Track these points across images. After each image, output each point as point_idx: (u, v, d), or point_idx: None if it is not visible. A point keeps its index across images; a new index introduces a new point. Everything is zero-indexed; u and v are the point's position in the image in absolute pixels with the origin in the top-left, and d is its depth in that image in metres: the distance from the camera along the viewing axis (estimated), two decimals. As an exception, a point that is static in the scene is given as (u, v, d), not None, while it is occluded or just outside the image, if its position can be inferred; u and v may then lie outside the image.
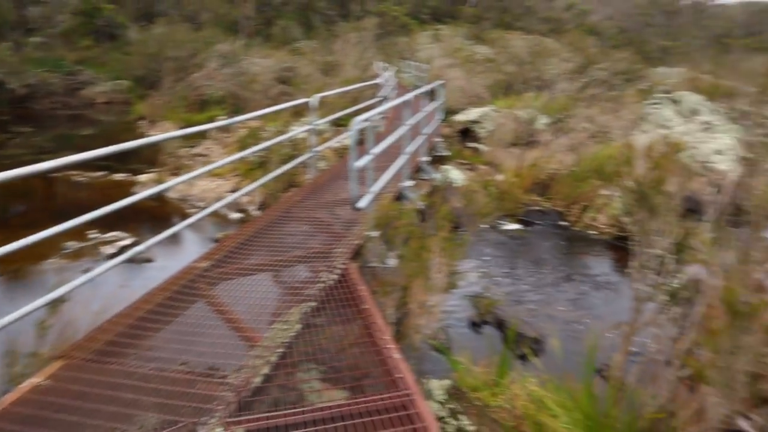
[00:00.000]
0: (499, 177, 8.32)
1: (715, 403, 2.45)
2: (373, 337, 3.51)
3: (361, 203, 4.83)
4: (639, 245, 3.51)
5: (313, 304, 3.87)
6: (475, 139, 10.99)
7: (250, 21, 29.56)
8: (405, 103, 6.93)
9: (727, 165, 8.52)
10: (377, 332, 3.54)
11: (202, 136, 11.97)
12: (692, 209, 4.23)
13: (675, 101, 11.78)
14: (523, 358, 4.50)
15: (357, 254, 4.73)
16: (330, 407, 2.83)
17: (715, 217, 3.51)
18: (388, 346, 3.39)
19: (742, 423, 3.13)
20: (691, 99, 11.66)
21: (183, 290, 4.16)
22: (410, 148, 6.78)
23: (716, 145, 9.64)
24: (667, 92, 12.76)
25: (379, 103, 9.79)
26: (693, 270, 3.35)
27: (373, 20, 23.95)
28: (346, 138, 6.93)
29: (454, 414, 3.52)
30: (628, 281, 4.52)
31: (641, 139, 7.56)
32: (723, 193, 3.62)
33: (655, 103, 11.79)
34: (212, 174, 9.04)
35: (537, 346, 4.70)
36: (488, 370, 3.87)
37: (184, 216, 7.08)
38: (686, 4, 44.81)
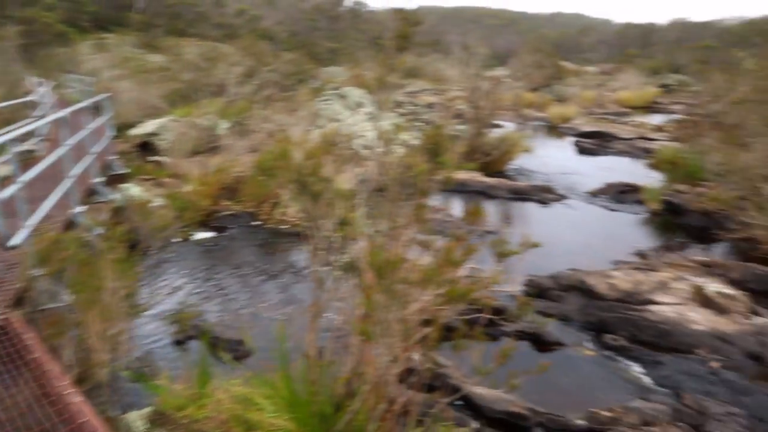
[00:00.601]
0: (186, 187, 8.10)
1: (381, 353, 2.80)
2: (47, 387, 3.10)
3: (16, 240, 4.19)
4: (310, 230, 3.78)
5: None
6: (157, 152, 10.49)
7: None
8: (63, 121, 6.21)
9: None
10: (53, 380, 3.14)
11: None
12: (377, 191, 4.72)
13: (342, 96, 13.00)
14: (229, 361, 4.49)
15: (21, 299, 4.10)
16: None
17: (367, 193, 3.95)
18: (66, 392, 3.03)
19: (415, 359, 3.63)
20: (356, 93, 13.01)
21: None
22: (76, 170, 6.12)
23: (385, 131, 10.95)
24: (336, 89, 14.01)
25: (35, 123, 8.58)
26: (358, 243, 3.74)
27: (17, 28, 20.68)
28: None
29: (159, 440, 3.34)
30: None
31: (314, 133, 8.18)
32: (372, 172, 4.09)
33: (326, 100, 12.84)
34: None
35: (240, 347, 4.74)
36: (191, 385, 3.76)
37: None
38: (345, 9, 49.69)
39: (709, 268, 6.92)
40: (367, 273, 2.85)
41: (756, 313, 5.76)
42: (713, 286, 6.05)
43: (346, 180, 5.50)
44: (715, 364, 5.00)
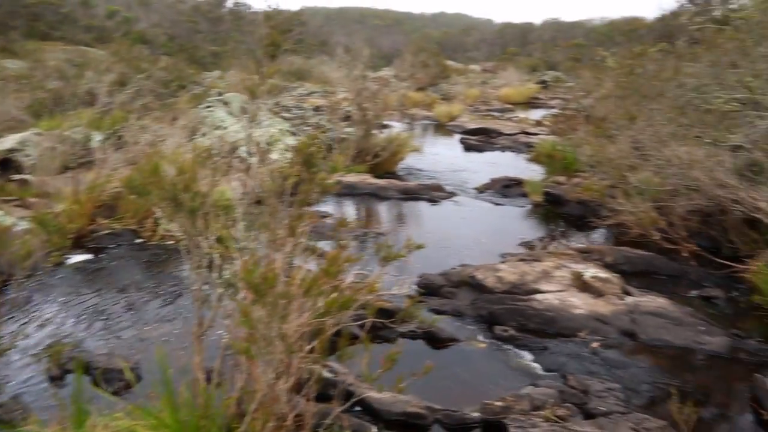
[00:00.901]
0: (58, 207, 7.48)
1: (262, 371, 2.71)
2: None
3: None
4: (189, 247, 3.60)
5: None
6: (20, 170, 9.61)
7: None
8: None
9: (277, 155, 9.61)
10: None
11: None
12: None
13: (226, 103, 12.59)
14: (109, 394, 4.18)
15: None
16: None
17: (246, 205, 3.82)
18: None
19: (306, 370, 3.55)
20: (239, 99, 12.63)
21: None
22: None
23: (266, 138, 10.73)
24: (220, 95, 13.54)
25: None
26: (237, 259, 3.60)
27: None
28: None
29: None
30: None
31: (195, 142, 7.82)
32: (250, 182, 3.96)
33: (208, 107, 12.37)
34: None
35: (123, 376, 4.42)
36: (65, 425, 3.45)
37: None
38: (226, 11, 48.20)
39: (586, 255, 7.39)
40: (244, 290, 2.75)
41: (628, 293, 6.22)
42: (590, 271, 6.46)
43: (227, 191, 5.30)
44: (595, 345, 5.33)
